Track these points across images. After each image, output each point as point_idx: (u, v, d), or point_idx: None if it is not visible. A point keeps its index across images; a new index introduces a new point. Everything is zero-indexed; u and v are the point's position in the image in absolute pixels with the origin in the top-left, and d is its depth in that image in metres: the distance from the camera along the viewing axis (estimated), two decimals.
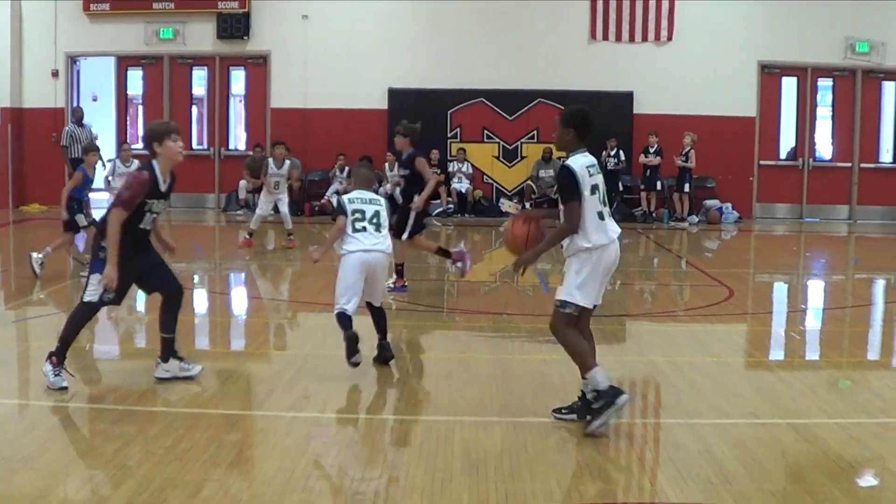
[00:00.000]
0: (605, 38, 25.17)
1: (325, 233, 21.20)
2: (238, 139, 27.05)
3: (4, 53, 26.03)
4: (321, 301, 13.15)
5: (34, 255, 14.97)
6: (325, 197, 24.77)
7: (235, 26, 25.65)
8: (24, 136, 26.08)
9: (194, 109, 27.04)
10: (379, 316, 9.93)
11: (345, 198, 10.00)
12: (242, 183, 24.56)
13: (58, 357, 8.55)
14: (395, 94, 25.20)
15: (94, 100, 29.22)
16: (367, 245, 9.58)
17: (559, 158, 24.20)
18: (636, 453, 7.32)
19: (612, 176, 24.35)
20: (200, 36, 26.04)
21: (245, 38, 25.77)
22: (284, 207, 19.07)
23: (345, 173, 24.71)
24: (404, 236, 13.80)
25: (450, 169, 24.88)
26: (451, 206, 24.43)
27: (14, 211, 25.03)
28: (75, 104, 26.59)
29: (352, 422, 7.92)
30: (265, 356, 10.56)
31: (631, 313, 13.39)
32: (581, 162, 7.93)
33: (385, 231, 9.80)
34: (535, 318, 12.23)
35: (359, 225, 9.65)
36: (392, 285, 13.47)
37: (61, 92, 26.58)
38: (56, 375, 8.53)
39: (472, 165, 25.00)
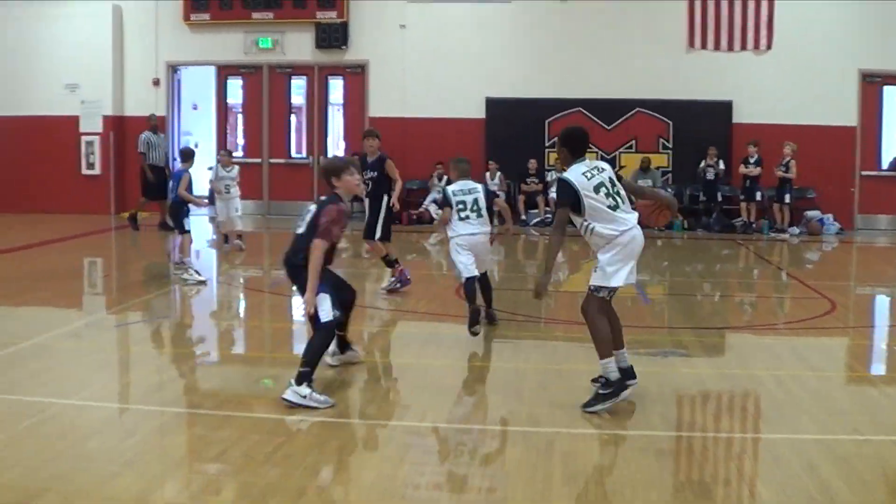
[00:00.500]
0: (704, 46, 24.96)
1: (422, 241, 21.35)
2: (336, 148, 27.19)
3: (107, 63, 26.52)
4: (420, 310, 13.22)
5: (175, 272, 15.50)
6: (423, 205, 24.82)
7: (334, 36, 25.84)
8: (125, 144, 26.47)
9: (293, 118, 27.26)
10: (486, 286, 11.91)
11: (448, 190, 11.78)
12: None
13: (307, 380, 8.55)
14: (492, 103, 25.22)
15: (195, 108, 29.61)
16: (471, 230, 11.57)
17: (657, 168, 24.19)
18: (737, 468, 7.24)
19: (711, 186, 24.14)
20: (299, 45, 26.27)
21: (343, 47, 25.95)
22: None
23: (443, 182, 24.77)
24: (376, 236, 14.52)
25: (547, 178, 24.80)
26: (548, 215, 24.35)
27: (116, 217, 25.41)
28: (175, 113, 27.02)
29: (451, 431, 7.91)
30: (364, 365, 10.60)
31: (732, 325, 13.25)
32: (578, 170, 8.63)
33: (485, 215, 11.70)
34: (635, 330, 12.16)
35: (462, 214, 11.58)
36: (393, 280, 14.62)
37: (162, 100, 26.99)
38: (319, 394, 8.56)
39: None
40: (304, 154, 26.87)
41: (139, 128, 25.81)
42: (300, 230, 9.36)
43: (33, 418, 8.09)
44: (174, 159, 23.75)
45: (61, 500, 6.41)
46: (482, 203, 11.69)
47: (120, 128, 26.59)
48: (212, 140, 27.50)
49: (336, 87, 26.94)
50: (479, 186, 11.96)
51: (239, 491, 6.55)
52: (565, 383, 9.44)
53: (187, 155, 16.47)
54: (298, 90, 26.98)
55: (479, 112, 25.30)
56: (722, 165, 24.18)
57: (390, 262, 14.74)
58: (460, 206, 11.58)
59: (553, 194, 24.46)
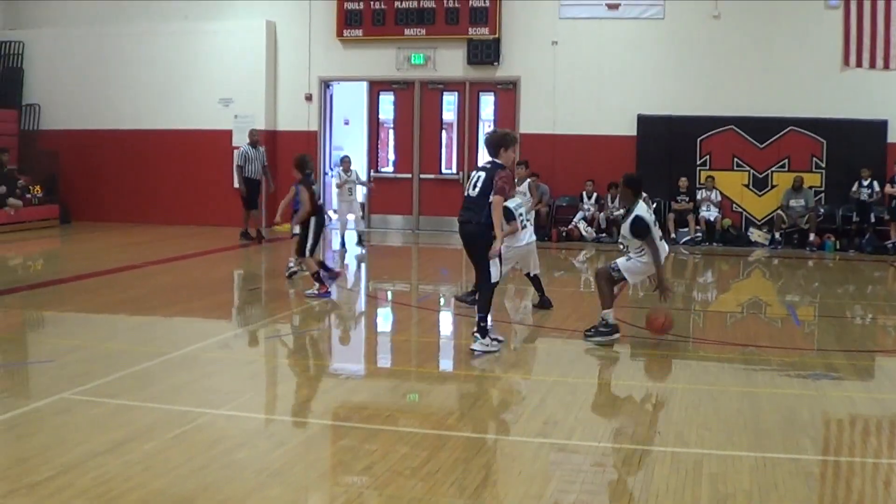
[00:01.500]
0: (859, 64, 24.35)
1: (570, 258, 21.26)
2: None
3: (261, 78, 26.95)
4: (566, 327, 13.14)
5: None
6: (573, 222, 24.69)
7: (486, 52, 25.88)
8: (277, 158, 26.83)
9: (444, 134, 27.35)
10: (536, 281, 14.52)
11: (510, 205, 12.94)
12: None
13: (486, 332, 11.43)
14: (644, 121, 25.00)
15: (346, 123, 29.94)
16: (526, 239, 14.04)
17: (810, 187, 23.72)
18: (892, 496, 7.04)
19: (865, 207, 23.56)
20: (451, 61, 26.37)
21: (495, 63, 25.97)
22: None
23: (593, 199, 24.64)
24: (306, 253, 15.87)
25: (698, 197, 24.50)
26: (699, 234, 24.05)
27: (267, 230, 25.78)
28: (327, 127, 27.37)
29: (598, 450, 7.83)
30: (512, 381, 10.58)
31: (884, 349, 12.92)
32: (644, 208, 12.14)
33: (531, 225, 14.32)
34: (786, 352, 11.96)
35: (520, 224, 13.68)
36: (316, 292, 15.41)
37: (314, 115, 27.33)
38: (493, 338, 11.50)
39: (721, 193, 24.55)
40: (454, 170, 26.93)
41: (291, 142, 26.35)
42: (473, 192, 11.40)
43: (183, 427, 8.23)
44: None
45: None
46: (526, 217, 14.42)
47: (273, 142, 26.99)
48: (363, 155, 27.74)
49: (487, 104, 26.95)
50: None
51: None
52: (714, 403, 9.28)
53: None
54: (449, 106, 27.07)
55: (630, 129, 25.08)
56: (876, 186, 23.59)
57: (317, 277, 15.75)
58: (521, 218, 13.91)
59: (705, 213, 24.19)
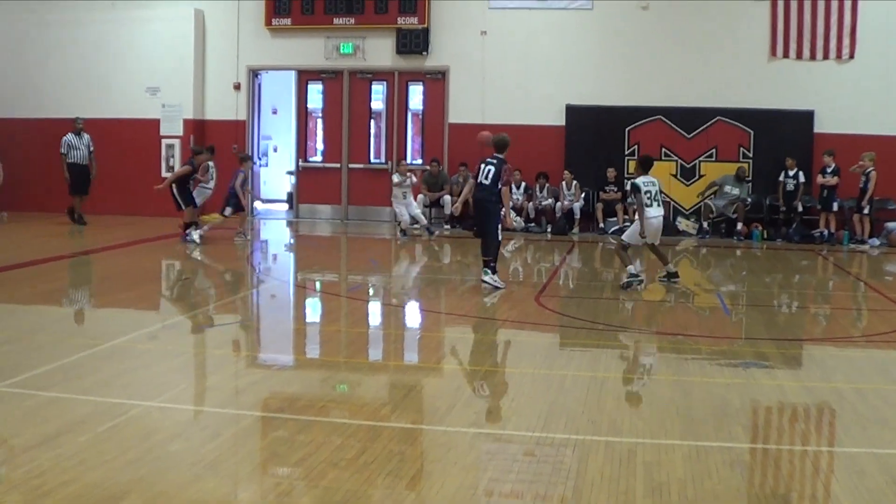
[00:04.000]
0: (786, 55, 24.64)
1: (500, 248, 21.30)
2: (415, 154, 27.22)
3: (189, 66, 26.77)
4: (498, 317, 13.20)
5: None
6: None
7: (414, 42, 25.87)
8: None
9: (372, 124, 27.31)
10: (658, 252, 16.38)
11: (639, 181, 15.59)
12: (420, 197, 24.76)
13: (493, 269, 15.58)
14: (572, 111, 25.11)
15: (274, 112, 29.86)
16: (656, 213, 15.70)
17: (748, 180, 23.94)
18: (822, 482, 7.13)
19: (791, 196, 23.85)
20: (380, 51, 26.33)
21: (424, 53, 25.97)
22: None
23: (521, 189, 24.69)
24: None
25: (626, 187, 24.62)
26: (627, 223, 24.13)
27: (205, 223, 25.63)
28: (255, 116, 27.26)
29: (532, 440, 7.85)
30: (444, 371, 10.59)
31: (813, 337, 13.08)
32: (644, 179, 15.66)
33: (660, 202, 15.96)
34: (716, 340, 12.08)
35: (648, 200, 15.55)
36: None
37: (243, 104, 27.18)
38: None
39: None
40: (382, 159, 26.88)
41: (219, 131, 26.21)
42: (486, 181, 15.52)
43: (116, 420, 8.15)
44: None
45: (144, 502, 6.45)
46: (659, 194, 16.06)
47: (201, 131, 26.83)
48: (291, 144, 27.67)
49: (416, 93, 26.94)
50: (657, 181, 16.10)
51: (321, 496, 6.55)
52: (647, 393, 9.36)
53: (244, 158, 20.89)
54: (378, 95, 27.03)
55: (558, 119, 25.19)
56: (802, 177, 23.86)
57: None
58: (647, 195, 15.59)
59: (629, 202, 24.38)
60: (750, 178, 24.39)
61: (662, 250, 16.55)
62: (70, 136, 25.03)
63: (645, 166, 16.10)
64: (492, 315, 13.42)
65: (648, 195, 15.53)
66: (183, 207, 21.33)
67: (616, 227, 24.00)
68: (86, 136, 25.27)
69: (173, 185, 21.30)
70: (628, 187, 16.61)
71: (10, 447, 7.61)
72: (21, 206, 26.45)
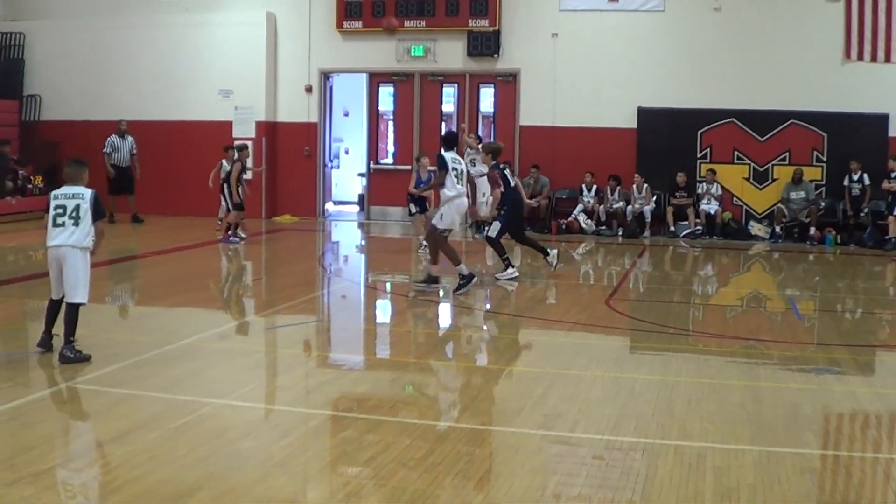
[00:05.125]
0: (860, 57, 24.33)
1: (570, 250, 21.22)
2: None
3: (261, 69, 26.92)
4: (568, 319, 13.16)
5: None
6: (573, 215, 24.67)
7: (486, 44, 25.84)
8: (277, 150, 26.93)
9: (443, 126, 27.30)
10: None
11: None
12: (489, 198, 24.73)
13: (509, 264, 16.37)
14: (644, 113, 24.96)
15: (346, 115, 29.96)
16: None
17: (810, 181, 23.69)
18: (892, 490, 7.04)
19: (857, 201, 23.51)
20: (451, 53, 26.33)
21: (495, 55, 25.94)
22: None
23: (592, 192, 24.61)
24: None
25: (698, 190, 24.47)
26: (699, 227, 24.04)
27: (266, 221, 25.82)
28: (327, 119, 27.39)
29: (602, 443, 7.83)
30: (513, 373, 10.59)
31: (885, 344, 12.93)
32: (450, 156, 15.37)
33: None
34: (788, 346, 11.98)
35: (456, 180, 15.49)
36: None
37: (314, 107, 27.29)
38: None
39: (722, 186, 24.52)
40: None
41: (291, 134, 26.43)
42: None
43: (187, 417, 8.24)
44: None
45: (213, 499, 6.53)
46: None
47: (273, 134, 27.01)
48: (362, 146, 27.77)
49: (487, 96, 26.92)
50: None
51: (389, 496, 6.58)
52: (717, 397, 9.29)
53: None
54: (449, 98, 27.03)
55: (630, 122, 25.05)
56: (867, 180, 23.51)
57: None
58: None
59: (705, 206, 24.16)
60: (812, 180, 24.03)
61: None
62: (114, 138, 25.60)
63: (446, 142, 16.06)
64: (562, 317, 13.37)
65: (455, 173, 15.42)
66: (231, 209, 21.44)
67: (688, 231, 23.85)
68: (129, 139, 25.78)
69: (225, 186, 21.47)
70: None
71: (83, 443, 7.72)
72: None
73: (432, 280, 15.58)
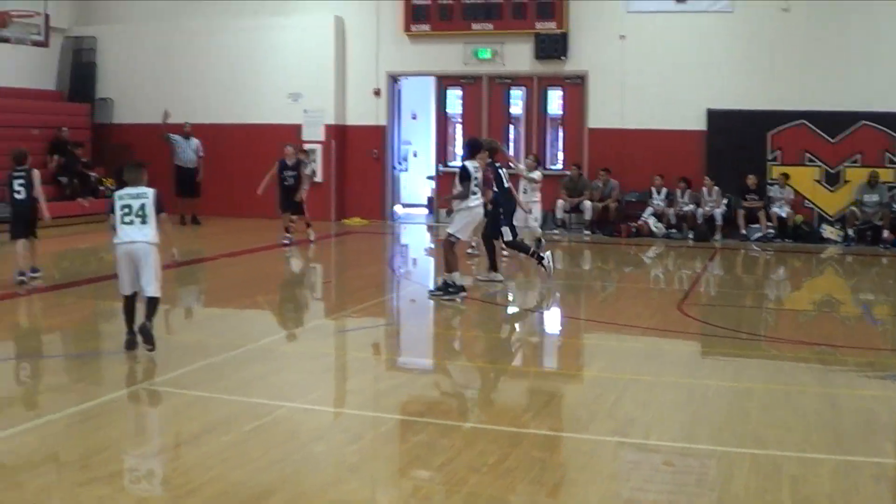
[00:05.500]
0: None
1: (640, 254, 21.12)
2: (555, 159, 27.11)
3: (329, 73, 27.03)
4: (640, 324, 13.08)
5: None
6: (643, 218, 24.50)
7: (553, 47, 25.74)
8: (346, 153, 27.01)
9: (511, 129, 27.26)
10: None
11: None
12: (560, 202, 24.67)
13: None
14: (713, 115, 24.74)
15: (414, 118, 29.96)
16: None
17: (884, 182, 23.37)
18: None
19: None
20: (518, 56, 26.25)
21: (563, 58, 25.84)
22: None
23: (662, 194, 24.45)
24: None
25: (769, 193, 24.22)
26: (770, 230, 23.79)
27: (336, 224, 25.90)
28: (395, 122, 27.44)
29: (676, 451, 7.77)
30: (586, 378, 10.53)
31: None
32: (473, 165, 14.97)
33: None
34: (862, 351, 11.82)
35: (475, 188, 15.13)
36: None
37: (383, 110, 27.35)
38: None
39: (793, 189, 24.26)
40: (521, 164, 26.77)
41: (360, 137, 26.54)
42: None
43: (260, 420, 8.29)
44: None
45: (287, 502, 6.57)
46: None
47: (342, 136, 27.11)
48: (431, 149, 27.79)
49: (554, 98, 26.82)
50: None
51: (465, 500, 6.57)
52: (791, 404, 9.19)
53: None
54: (517, 100, 26.97)
55: (699, 124, 24.84)
56: None
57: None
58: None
59: (776, 209, 23.90)
60: (885, 182, 23.67)
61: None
62: (178, 139, 25.92)
63: (471, 149, 15.50)
64: (633, 322, 13.29)
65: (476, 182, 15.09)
66: (305, 213, 21.78)
67: (759, 234, 23.62)
68: (194, 141, 26.10)
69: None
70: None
71: (157, 444, 7.78)
72: (168, 209, 26.91)
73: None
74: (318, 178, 25.88)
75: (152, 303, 10.75)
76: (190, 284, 17.01)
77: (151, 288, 10.72)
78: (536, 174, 20.08)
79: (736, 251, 22.22)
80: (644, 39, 25.20)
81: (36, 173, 15.72)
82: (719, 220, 23.89)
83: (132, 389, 9.63)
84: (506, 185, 16.92)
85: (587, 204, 24.42)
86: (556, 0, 25.43)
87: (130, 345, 10.69)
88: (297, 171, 21.55)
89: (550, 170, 25.51)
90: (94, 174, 26.32)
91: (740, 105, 24.42)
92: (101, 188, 26.09)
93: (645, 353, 11.54)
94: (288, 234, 21.15)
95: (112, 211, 10.84)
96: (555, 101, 26.71)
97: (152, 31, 28.38)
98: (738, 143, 24.39)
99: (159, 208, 10.89)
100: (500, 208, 16.44)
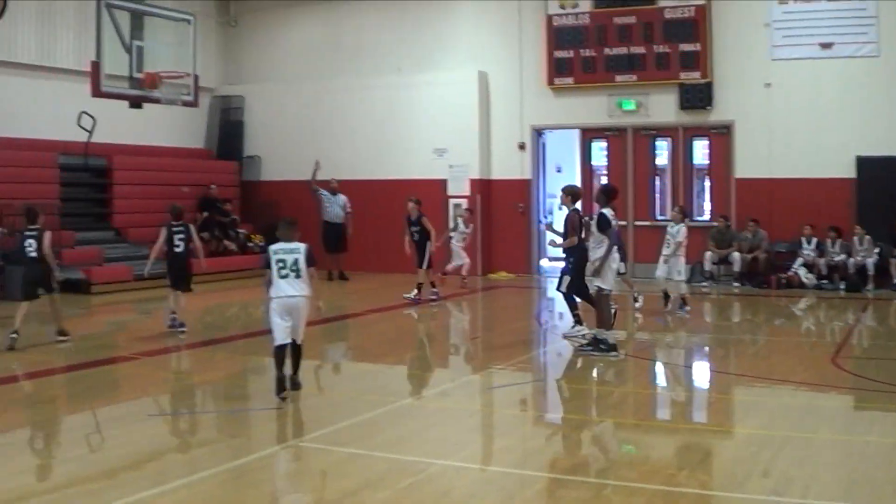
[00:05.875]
0: None
1: (791, 306, 20.76)
2: (701, 210, 26.84)
3: (474, 127, 27.26)
4: (793, 379, 12.85)
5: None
6: (793, 269, 24.08)
7: (698, 96, 25.59)
8: (491, 206, 27.15)
9: (657, 180, 27.11)
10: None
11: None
12: (708, 254, 24.41)
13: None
14: (863, 162, 24.26)
15: (559, 171, 30.02)
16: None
17: None
18: None
19: None
20: (663, 107, 26.15)
21: (708, 107, 25.67)
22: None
23: (812, 244, 24.03)
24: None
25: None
26: None
27: (482, 278, 25.97)
28: (540, 175, 27.50)
29: None
30: (737, 435, 10.37)
31: None
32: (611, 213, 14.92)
33: None
34: None
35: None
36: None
37: (528, 163, 27.45)
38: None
39: None
40: (667, 216, 26.58)
41: (504, 190, 26.68)
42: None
43: (414, 477, 8.33)
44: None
45: None
46: None
47: (487, 190, 27.25)
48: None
49: (700, 148, 26.61)
50: None
51: None
52: None
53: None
54: (661, 151, 26.84)
55: (849, 171, 24.40)
56: None
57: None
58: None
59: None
60: None
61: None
62: (326, 194, 26.39)
63: (609, 196, 15.42)
64: (787, 377, 13.04)
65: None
66: (427, 266, 21.94)
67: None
68: (341, 196, 26.54)
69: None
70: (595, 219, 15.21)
71: (311, 501, 7.85)
72: (317, 266, 27.28)
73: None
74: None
75: (298, 350, 11.49)
76: (339, 340, 17.24)
77: (300, 335, 11.43)
78: (681, 231, 19.50)
79: (889, 302, 21.69)
80: (790, 87, 24.90)
81: (192, 227, 16.61)
82: (871, 270, 23.36)
83: (285, 446, 9.77)
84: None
85: (736, 255, 24.14)
86: (699, 50, 25.30)
87: (281, 387, 11.09)
88: (419, 226, 21.80)
89: (697, 221, 25.26)
90: (243, 231, 26.87)
91: (891, 151, 23.91)
92: (250, 245, 26.62)
93: (800, 409, 11.32)
94: (434, 289, 21.27)
95: (268, 265, 11.34)
96: (700, 151, 26.52)
97: (298, 89, 29.14)
98: (889, 190, 23.85)
99: (310, 262, 11.40)
100: (571, 257, 15.77)
